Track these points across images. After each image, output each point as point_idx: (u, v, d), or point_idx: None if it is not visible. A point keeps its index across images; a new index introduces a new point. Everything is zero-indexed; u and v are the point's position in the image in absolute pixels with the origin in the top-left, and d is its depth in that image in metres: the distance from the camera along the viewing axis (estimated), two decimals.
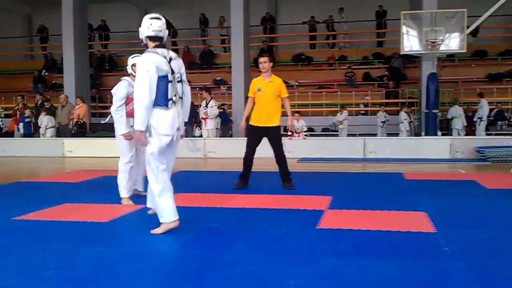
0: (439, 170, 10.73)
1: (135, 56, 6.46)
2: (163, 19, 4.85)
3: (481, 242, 4.58)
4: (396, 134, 15.62)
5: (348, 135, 15.56)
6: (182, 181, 7.76)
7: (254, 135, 7.54)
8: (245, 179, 7.68)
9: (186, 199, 6.62)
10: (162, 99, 4.66)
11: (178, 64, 4.83)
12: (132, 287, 3.53)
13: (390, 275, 3.68)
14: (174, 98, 4.73)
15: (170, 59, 4.76)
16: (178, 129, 4.80)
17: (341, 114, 15.86)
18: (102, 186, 8.58)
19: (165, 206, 4.81)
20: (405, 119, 15.62)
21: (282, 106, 7.58)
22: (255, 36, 19.66)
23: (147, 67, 4.59)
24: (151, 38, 4.77)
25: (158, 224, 4.98)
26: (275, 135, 7.53)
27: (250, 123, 7.54)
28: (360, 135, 15.27)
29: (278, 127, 7.52)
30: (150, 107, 4.60)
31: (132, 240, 4.85)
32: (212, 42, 21.69)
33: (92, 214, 6.03)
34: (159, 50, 4.72)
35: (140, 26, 4.84)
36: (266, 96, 7.30)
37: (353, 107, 17.84)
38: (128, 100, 6.32)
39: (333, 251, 4.34)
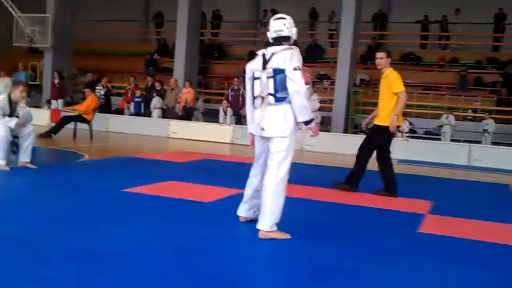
0: None
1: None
2: (284, 19, 4.54)
3: None
4: (508, 144, 14.78)
5: (452, 140, 14.97)
6: None
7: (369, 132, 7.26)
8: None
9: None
10: (250, 99, 4.62)
11: (278, 59, 4.37)
12: (230, 268, 3.64)
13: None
14: (260, 95, 4.43)
15: (272, 54, 4.41)
16: (262, 128, 4.45)
17: (447, 118, 15.28)
18: (204, 168, 8.92)
19: None
20: None
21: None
22: (364, 33, 19.35)
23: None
24: (273, 39, 4.53)
25: None
26: (374, 134, 7.01)
27: None
28: (465, 141, 14.66)
29: (380, 128, 6.80)
30: (249, 108, 4.63)
31: (229, 222, 4.97)
32: (319, 37, 21.63)
33: (195, 193, 6.27)
34: (261, 51, 4.57)
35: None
36: (380, 92, 6.89)
37: (460, 112, 17.12)
38: None
39: (434, 256, 4.24)
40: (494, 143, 14.87)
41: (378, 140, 6.92)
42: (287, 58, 4.34)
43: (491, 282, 3.67)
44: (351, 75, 16.80)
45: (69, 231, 4.27)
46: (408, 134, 14.23)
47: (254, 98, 4.52)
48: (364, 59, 19.80)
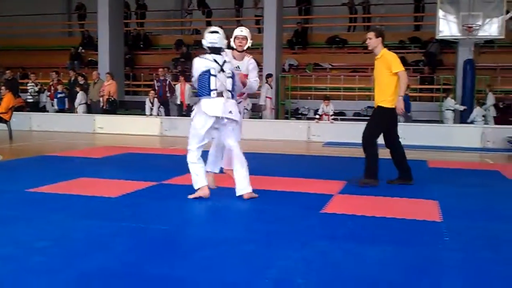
0: (467, 159, 10.46)
1: (239, 28, 6.42)
2: (220, 32, 5.65)
3: (485, 233, 4.46)
4: (428, 122, 15.24)
5: None
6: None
7: None
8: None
9: None
10: (205, 90, 5.48)
11: (230, 66, 5.68)
12: (120, 261, 3.56)
13: (380, 262, 3.62)
14: (218, 90, 5.47)
15: (224, 62, 5.58)
16: (222, 118, 5.52)
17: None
18: (123, 163, 8.72)
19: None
20: (451, 106, 14.92)
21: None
22: (289, 18, 19.45)
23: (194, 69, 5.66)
24: (208, 48, 5.61)
25: (164, 200, 5.30)
26: (372, 115, 6.84)
27: None
28: None
29: (380, 109, 6.51)
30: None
31: (133, 215, 4.89)
32: (246, 23, 21.55)
33: (103, 189, 6.11)
34: (208, 55, 5.57)
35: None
36: (375, 74, 6.60)
37: None
38: None
39: (330, 236, 4.29)
40: (418, 121, 15.28)
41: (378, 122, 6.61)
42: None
43: (382, 257, 3.73)
44: (278, 61, 16.87)
45: None
46: (333, 117, 14.39)
47: (211, 90, 5.46)
48: (291, 44, 19.91)
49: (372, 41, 6.51)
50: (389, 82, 6.42)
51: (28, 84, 17.28)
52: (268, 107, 15.36)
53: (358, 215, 4.97)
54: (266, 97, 15.24)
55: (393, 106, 6.42)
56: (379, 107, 6.53)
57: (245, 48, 6.37)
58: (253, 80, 6.43)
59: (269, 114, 15.44)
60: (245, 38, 6.32)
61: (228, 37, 5.93)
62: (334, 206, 5.38)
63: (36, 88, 17.06)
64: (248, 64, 6.45)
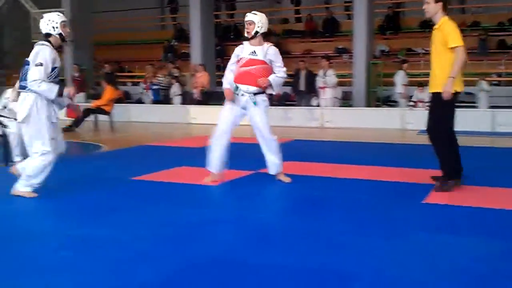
0: None
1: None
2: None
3: None
4: None
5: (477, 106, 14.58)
6: (295, 150, 7.71)
7: None
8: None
9: (297, 167, 6.64)
10: None
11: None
12: (224, 249, 3.65)
13: (476, 255, 3.49)
14: None
15: None
16: None
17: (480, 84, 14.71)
18: None
19: None
20: None
21: None
22: (380, 2, 18.97)
23: None
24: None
25: (261, 188, 5.22)
26: (431, 103, 5.58)
27: None
28: (492, 107, 14.27)
29: (437, 94, 5.23)
30: None
31: (232, 203, 5.01)
32: (336, 10, 21.28)
33: (203, 177, 6.27)
34: None
35: None
36: (432, 49, 5.38)
37: (485, 77, 16.63)
38: None
39: (430, 226, 4.19)
40: None
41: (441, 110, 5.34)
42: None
43: (480, 250, 3.60)
44: (369, 47, 16.49)
45: (70, 220, 4.35)
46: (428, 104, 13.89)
47: None
48: (383, 29, 19.44)
49: (430, 6, 5.30)
50: (446, 59, 5.17)
51: (159, 78, 17.21)
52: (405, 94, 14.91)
53: (463, 206, 4.80)
54: (403, 84, 14.79)
55: (457, 90, 5.21)
56: (433, 94, 5.40)
57: (252, 33, 5.73)
58: (278, 74, 5.82)
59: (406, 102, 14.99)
60: (252, 22, 5.68)
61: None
62: (437, 196, 5.21)
63: (165, 82, 16.68)
64: (266, 51, 5.80)
